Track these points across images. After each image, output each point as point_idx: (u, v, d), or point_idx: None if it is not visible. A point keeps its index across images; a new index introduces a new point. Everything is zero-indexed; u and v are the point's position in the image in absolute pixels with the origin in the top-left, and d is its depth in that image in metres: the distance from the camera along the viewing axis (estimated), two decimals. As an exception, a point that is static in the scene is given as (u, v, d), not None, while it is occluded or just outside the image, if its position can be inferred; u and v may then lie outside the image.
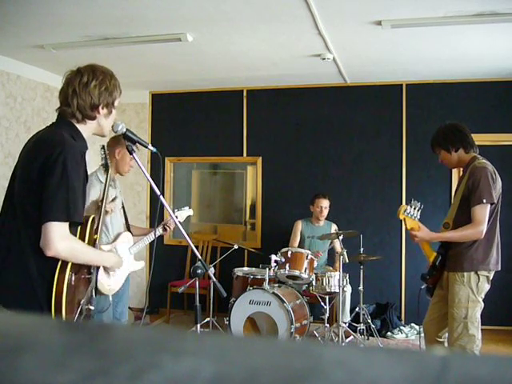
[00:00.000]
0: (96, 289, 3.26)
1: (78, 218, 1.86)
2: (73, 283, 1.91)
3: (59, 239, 1.78)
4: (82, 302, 2.04)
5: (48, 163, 1.80)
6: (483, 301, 3.06)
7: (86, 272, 2.03)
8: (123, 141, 3.49)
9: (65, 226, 1.81)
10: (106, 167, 2.34)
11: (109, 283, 3.31)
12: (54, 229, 1.77)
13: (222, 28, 3.94)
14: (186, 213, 3.83)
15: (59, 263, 1.86)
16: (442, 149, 3.18)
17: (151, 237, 3.65)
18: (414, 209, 3.10)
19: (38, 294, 1.84)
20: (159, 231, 3.73)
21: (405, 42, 4.17)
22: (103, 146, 2.39)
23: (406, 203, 3.20)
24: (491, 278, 3.06)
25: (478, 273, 3.00)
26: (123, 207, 3.61)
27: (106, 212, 2.29)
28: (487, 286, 3.05)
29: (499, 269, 3.08)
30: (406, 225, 3.13)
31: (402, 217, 3.09)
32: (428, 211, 5.33)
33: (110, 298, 3.45)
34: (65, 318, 1.87)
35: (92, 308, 2.13)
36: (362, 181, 5.63)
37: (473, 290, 2.99)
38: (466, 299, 2.99)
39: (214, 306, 4.96)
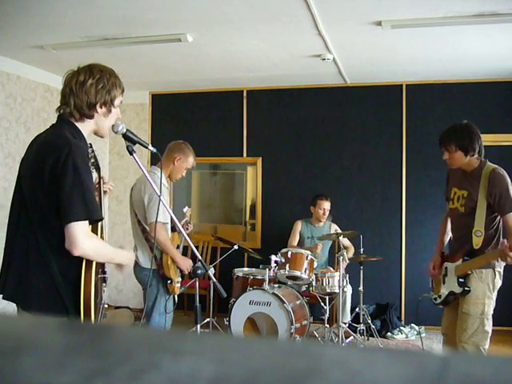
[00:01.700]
0: (168, 288, 3.34)
1: (97, 215, 1.87)
2: (96, 283, 1.93)
3: (84, 238, 1.80)
4: (103, 302, 2.04)
5: (58, 166, 1.80)
6: (496, 298, 3.06)
7: (101, 271, 2.04)
8: (186, 150, 3.61)
9: (86, 224, 1.83)
10: (97, 167, 2.34)
11: (178, 283, 3.42)
12: (78, 228, 1.79)
13: (222, 28, 3.94)
14: (188, 211, 3.92)
15: (83, 264, 1.86)
16: (460, 149, 3.02)
17: (184, 236, 3.79)
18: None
19: (63, 297, 1.85)
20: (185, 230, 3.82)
21: (405, 42, 4.17)
22: (90, 144, 2.39)
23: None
24: (502, 273, 3.06)
25: (495, 269, 3.01)
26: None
27: (105, 192, 2.31)
28: (500, 282, 3.05)
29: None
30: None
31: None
32: (428, 211, 5.37)
33: (176, 299, 3.52)
34: (93, 319, 1.88)
35: (106, 306, 2.14)
36: (362, 181, 5.63)
37: (489, 286, 3.00)
38: (483, 295, 2.99)
39: (213, 307, 4.96)
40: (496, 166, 3.06)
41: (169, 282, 3.35)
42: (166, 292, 3.38)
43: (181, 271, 3.49)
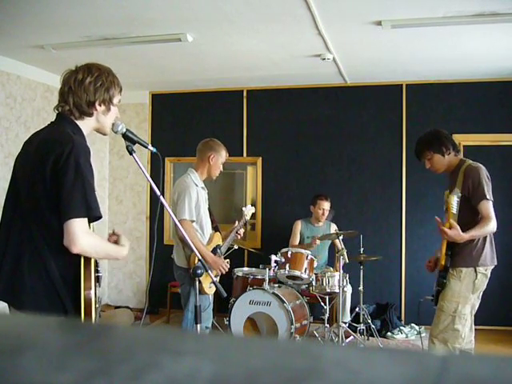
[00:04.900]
0: (199, 288, 3.37)
1: (97, 212, 1.86)
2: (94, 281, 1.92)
3: (83, 235, 1.79)
4: (99, 301, 2.04)
5: (59, 162, 1.79)
6: (481, 299, 3.08)
7: (95, 270, 2.04)
8: (216, 146, 3.63)
9: (86, 221, 1.82)
10: None
11: (209, 283, 3.38)
12: (77, 224, 1.78)
13: (222, 28, 3.94)
14: (250, 210, 3.93)
15: (82, 262, 1.86)
16: (435, 152, 3.23)
17: (232, 238, 3.79)
18: (458, 200, 3.01)
19: (62, 296, 1.84)
20: (234, 235, 3.81)
21: (405, 41, 4.17)
22: None
23: (451, 193, 3.05)
24: (489, 275, 3.09)
25: (476, 269, 3.04)
26: (209, 209, 3.69)
27: None
28: (485, 283, 3.08)
29: (496, 263, 3.13)
30: (448, 214, 3.01)
31: (450, 202, 2.96)
32: (428, 211, 5.37)
33: (211, 298, 3.54)
34: (94, 318, 1.87)
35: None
36: (362, 181, 5.63)
37: (467, 287, 3.04)
38: (459, 294, 3.05)
39: (214, 306, 4.95)
40: (473, 162, 3.16)
41: None
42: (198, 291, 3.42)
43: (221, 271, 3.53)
